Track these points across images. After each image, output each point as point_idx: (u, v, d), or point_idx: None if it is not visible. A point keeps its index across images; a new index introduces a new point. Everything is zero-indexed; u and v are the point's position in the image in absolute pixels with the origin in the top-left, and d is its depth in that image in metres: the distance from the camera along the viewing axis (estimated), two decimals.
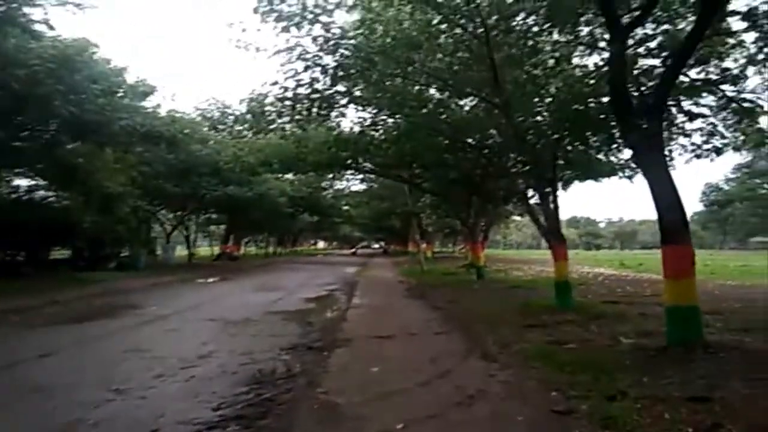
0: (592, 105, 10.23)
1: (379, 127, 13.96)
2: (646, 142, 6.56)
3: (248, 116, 14.18)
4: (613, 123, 10.69)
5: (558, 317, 8.53)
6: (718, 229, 74.74)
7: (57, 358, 6.43)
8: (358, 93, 11.49)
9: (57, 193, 18.66)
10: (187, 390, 5.04)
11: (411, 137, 13.83)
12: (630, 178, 15.17)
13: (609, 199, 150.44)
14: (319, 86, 10.34)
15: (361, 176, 31.10)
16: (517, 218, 41.44)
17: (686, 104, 10.79)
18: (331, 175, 30.70)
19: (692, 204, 75.44)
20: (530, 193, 13.67)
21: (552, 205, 10.58)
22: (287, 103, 10.72)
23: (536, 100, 11.24)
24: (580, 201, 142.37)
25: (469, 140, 13.83)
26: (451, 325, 8.47)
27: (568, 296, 9.77)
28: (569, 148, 12.35)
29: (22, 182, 19.38)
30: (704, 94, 10.65)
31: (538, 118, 11.59)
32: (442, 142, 14.18)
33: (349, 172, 23.58)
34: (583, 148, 12.47)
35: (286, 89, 10.22)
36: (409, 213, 29.16)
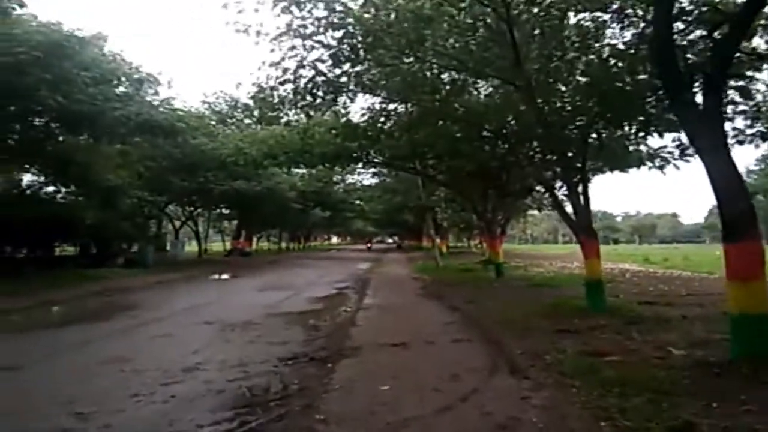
0: (625, 85, 9.18)
1: (390, 113, 13.04)
2: (704, 120, 5.59)
3: (254, 108, 13.35)
4: (649, 105, 9.71)
5: (591, 321, 7.59)
6: None
7: (22, 373, 5.65)
8: (366, 77, 10.62)
9: (57, 187, 18.07)
10: (161, 415, 4.26)
11: (423, 125, 12.94)
12: (661, 168, 14.01)
13: (623, 192, 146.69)
14: (323, 68, 9.49)
15: (372, 170, 30.31)
16: (534, 212, 40.18)
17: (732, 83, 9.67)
18: (340, 169, 29.96)
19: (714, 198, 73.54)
20: (557, 184, 12.67)
21: (582, 198, 9.60)
22: (289, 86, 9.85)
23: (563, 81, 10.22)
24: (595, 194, 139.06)
25: (487, 127, 12.84)
26: (471, 331, 7.59)
27: (601, 297, 8.77)
28: (597, 134, 11.31)
29: (28, 177, 18.95)
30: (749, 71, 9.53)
31: (565, 101, 10.58)
32: (456, 131, 13.22)
33: (359, 165, 22.71)
34: (615, 134, 11.40)
35: (285, 70, 9.35)
36: (423, 207, 28.25)
